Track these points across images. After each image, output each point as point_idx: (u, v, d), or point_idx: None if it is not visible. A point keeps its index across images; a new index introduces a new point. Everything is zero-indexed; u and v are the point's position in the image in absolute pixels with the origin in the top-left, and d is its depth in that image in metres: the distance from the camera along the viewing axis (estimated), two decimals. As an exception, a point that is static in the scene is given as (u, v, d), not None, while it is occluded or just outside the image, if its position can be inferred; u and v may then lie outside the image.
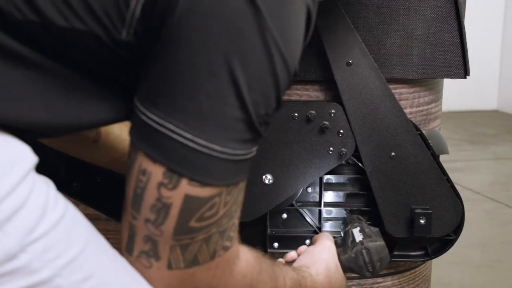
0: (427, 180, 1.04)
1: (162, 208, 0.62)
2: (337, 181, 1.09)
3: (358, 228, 0.93)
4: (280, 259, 0.94)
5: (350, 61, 1.00)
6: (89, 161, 0.99)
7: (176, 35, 0.60)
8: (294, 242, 1.05)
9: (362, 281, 1.11)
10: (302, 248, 0.94)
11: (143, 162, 0.62)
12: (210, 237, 0.64)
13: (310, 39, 1.01)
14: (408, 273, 1.15)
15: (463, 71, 1.05)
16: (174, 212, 0.62)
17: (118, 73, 0.66)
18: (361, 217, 0.98)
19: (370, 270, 0.92)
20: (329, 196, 1.09)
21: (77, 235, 0.60)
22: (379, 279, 1.13)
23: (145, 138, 0.62)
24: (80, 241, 0.60)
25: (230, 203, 0.65)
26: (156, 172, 0.61)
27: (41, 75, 0.61)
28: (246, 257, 0.72)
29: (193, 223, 0.63)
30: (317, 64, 1.02)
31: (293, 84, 1.04)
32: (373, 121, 1.02)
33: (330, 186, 1.09)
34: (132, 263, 0.65)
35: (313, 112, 1.02)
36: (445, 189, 1.05)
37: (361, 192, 1.08)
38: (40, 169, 1.02)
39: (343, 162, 1.05)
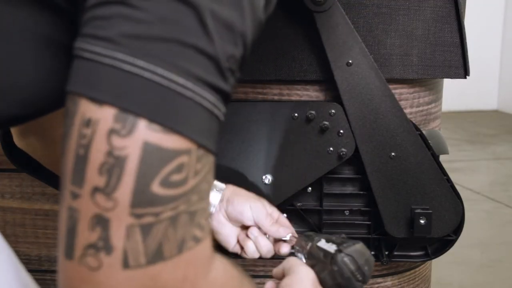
0: (427, 180, 1.04)
1: (115, 164, 0.47)
2: (337, 181, 1.09)
3: (324, 240, 0.78)
4: None
5: (350, 61, 1.00)
6: None
7: None
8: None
9: (362, 281, 1.11)
10: (269, 285, 0.78)
11: (87, 110, 0.48)
12: (178, 217, 0.50)
13: (311, 39, 1.01)
14: (408, 273, 1.15)
15: (463, 71, 1.05)
16: (131, 167, 0.47)
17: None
18: (313, 233, 0.84)
19: (360, 278, 0.75)
20: (329, 196, 1.08)
21: None
22: (379, 279, 1.13)
23: (88, 80, 0.48)
24: None
25: (201, 176, 0.52)
26: (105, 117, 0.47)
27: None
28: (223, 264, 0.59)
29: (156, 188, 0.48)
30: (317, 64, 1.02)
31: (293, 84, 1.05)
32: (373, 121, 1.02)
33: (330, 186, 1.09)
34: (74, 273, 0.49)
35: (313, 112, 1.02)
36: (445, 189, 1.05)
37: (361, 192, 1.08)
38: (41, 169, 1.02)
39: (343, 162, 1.05)
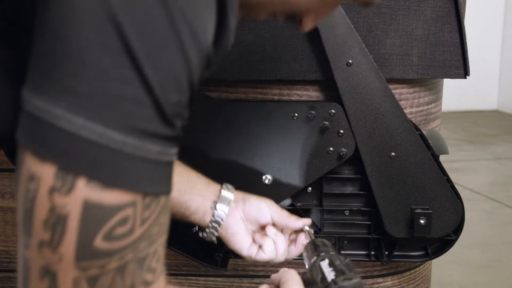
0: (427, 180, 1.04)
1: (58, 221, 0.48)
2: (337, 181, 1.09)
3: (327, 261, 0.78)
4: None
5: (350, 61, 1.00)
6: None
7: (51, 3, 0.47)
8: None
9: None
10: None
11: (31, 165, 0.49)
12: (126, 266, 0.51)
13: (311, 39, 1.01)
14: (408, 273, 1.15)
15: (463, 71, 1.05)
16: (73, 224, 0.48)
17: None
18: (326, 242, 0.85)
19: None
20: (329, 196, 1.08)
21: None
22: (379, 279, 1.13)
23: (31, 133, 0.48)
24: None
25: (150, 222, 0.52)
26: (47, 174, 0.48)
27: None
28: None
29: (99, 243, 0.49)
30: (317, 64, 1.02)
31: (293, 84, 1.05)
32: (373, 121, 1.02)
33: (330, 186, 1.09)
34: None
35: (313, 112, 1.02)
36: (445, 189, 1.05)
37: (361, 192, 1.08)
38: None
39: (343, 162, 1.05)
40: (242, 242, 0.91)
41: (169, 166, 0.52)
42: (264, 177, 1.04)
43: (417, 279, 1.17)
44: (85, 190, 0.48)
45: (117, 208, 0.49)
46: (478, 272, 2.14)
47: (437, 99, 1.14)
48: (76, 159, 0.48)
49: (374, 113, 1.02)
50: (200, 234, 0.91)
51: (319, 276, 0.76)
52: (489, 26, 5.20)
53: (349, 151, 1.03)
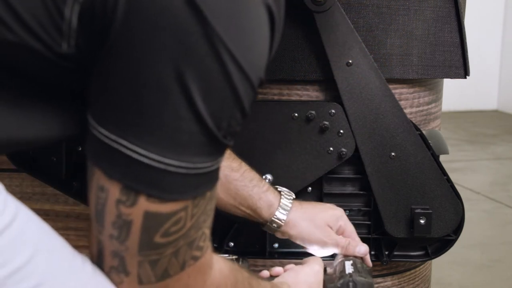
0: (427, 180, 1.04)
1: (124, 225, 0.60)
2: (337, 181, 1.09)
3: (351, 262, 0.93)
4: (265, 271, 0.92)
5: (350, 61, 1.00)
6: None
7: (119, 46, 0.56)
8: (294, 242, 1.05)
9: (362, 281, 1.11)
10: (289, 266, 0.92)
11: (100, 178, 0.59)
12: (179, 250, 0.62)
13: (311, 38, 1.01)
14: (408, 273, 1.15)
15: (463, 71, 1.05)
16: (136, 229, 0.60)
17: (67, 83, 0.63)
18: (357, 257, 0.97)
19: None
20: (329, 196, 1.08)
21: (25, 241, 0.56)
22: (379, 279, 1.13)
23: (100, 154, 0.59)
24: (28, 248, 0.56)
25: (198, 215, 0.62)
26: (113, 189, 0.59)
27: None
28: (220, 267, 0.70)
29: (158, 239, 0.60)
30: (317, 64, 1.02)
31: (293, 84, 1.05)
32: (373, 121, 1.02)
33: (330, 186, 1.09)
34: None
35: (313, 112, 1.02)
36: (445, 189, 1.05)
37: (361, 192, 1.08)
38: (41, 169, 1.02)
39: (343, 162, 1.05)
40: None
41: (217, 170, 0.62)
42: (264, 177, 1.04)
43: (417, 279, 1.17)
44: (145, 204, 0.59)
45: (173, 214, 0.60)
46: (478, 272, 2.14)
47: (437, 99, 1.14)
48: (138, 180, 0.58)
49: (374, 113, 1.02)
50: None
51: (340, 270, 0.91)
52: (489, 26, 5.20)
53: (349, 151, 1.03)
